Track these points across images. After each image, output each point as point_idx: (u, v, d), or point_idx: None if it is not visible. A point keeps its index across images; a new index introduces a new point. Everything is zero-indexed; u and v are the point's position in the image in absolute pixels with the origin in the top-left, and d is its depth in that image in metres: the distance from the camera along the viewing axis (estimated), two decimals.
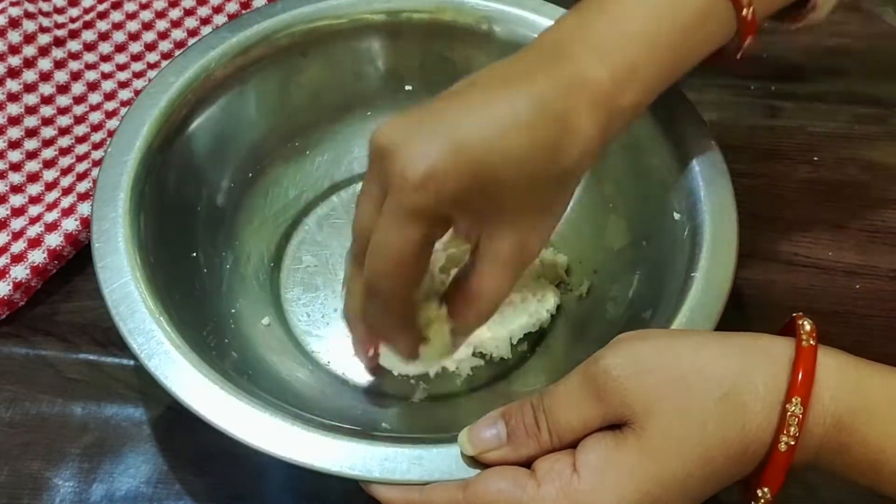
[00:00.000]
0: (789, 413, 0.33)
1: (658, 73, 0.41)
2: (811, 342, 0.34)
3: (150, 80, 0.58)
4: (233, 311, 0.48)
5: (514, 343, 0.48)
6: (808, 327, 0.35)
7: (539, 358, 0.48)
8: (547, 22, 0.51)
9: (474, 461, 0.36)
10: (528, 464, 0.35)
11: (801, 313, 0.36)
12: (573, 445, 0.35)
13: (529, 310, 0.47)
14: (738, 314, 0.50)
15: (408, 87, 0.55)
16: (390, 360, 0.47)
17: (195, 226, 0.49)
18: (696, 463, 0.33)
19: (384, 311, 0.40)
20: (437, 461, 0.36)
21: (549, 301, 0.48)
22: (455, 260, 0.46)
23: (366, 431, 0.39)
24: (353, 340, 0.45)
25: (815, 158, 0.59)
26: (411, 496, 0.36)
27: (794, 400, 0.33)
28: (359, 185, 0.54)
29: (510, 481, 0.35)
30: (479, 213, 0.38)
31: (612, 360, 0.34)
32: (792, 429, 0.33)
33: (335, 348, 0.49)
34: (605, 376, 0.34)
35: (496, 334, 0.47)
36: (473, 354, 0.48)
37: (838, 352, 0.35)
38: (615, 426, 0.34)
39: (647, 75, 0.40)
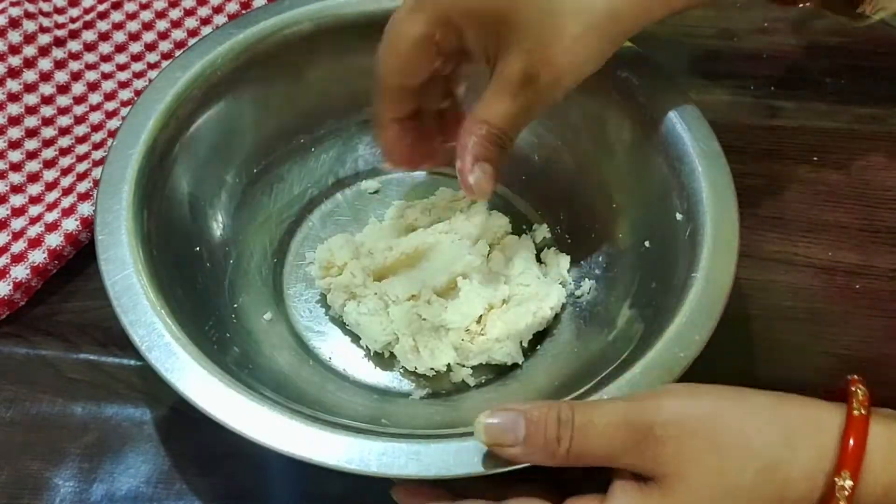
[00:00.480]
0: (838, 486, 0.32)
1: None
2: (863, 411, 0.34)
3: (150, 81, 0.58)
4: (235, 305, 0.48)
5: (525, 345, 0.48)
6: (860, 395, 0.34)
7: (541, 356, 0.48)
8: None
9: (476, 455, 0.36)
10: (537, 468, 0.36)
11: (854, 377, 0.35)
12: (584, 466, 0.35)
13: (532, 309, 0.47)
14: (739, 314, 0.50)
15: None
16: (405, 357, 0.47)
17: (198, 220, 0.49)
18: None
19: (377, 98, 0.44)
20: (435, 457, 0.37)
21: (553, 298, 0.48)
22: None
23: (365, 427, 0.39)
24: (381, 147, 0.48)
25: (815, 158, 0.59)
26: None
27: (843, 474, 0.32)
28: (364, 183, 0.55)
29: None
30: (492, 35, 0.40)
31: (659, 419, 0.34)
32: (841, 503, 0.32)
33: (337, 344, 0.49)
34: (647, 431, 0.34)
35: (504, 341, 0.47)
36: (485, 364, 0.48)
37: (889, 416, 0.34)
38: (640, 476, 0.34)
39: None
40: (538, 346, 0.49)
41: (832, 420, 0.34)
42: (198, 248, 0.48)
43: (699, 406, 0.34)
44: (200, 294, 0.47)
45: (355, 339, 0.49)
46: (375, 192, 0.55)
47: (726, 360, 0.48)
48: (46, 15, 0.61)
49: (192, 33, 0.62)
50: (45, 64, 0.59)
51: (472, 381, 0.47)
